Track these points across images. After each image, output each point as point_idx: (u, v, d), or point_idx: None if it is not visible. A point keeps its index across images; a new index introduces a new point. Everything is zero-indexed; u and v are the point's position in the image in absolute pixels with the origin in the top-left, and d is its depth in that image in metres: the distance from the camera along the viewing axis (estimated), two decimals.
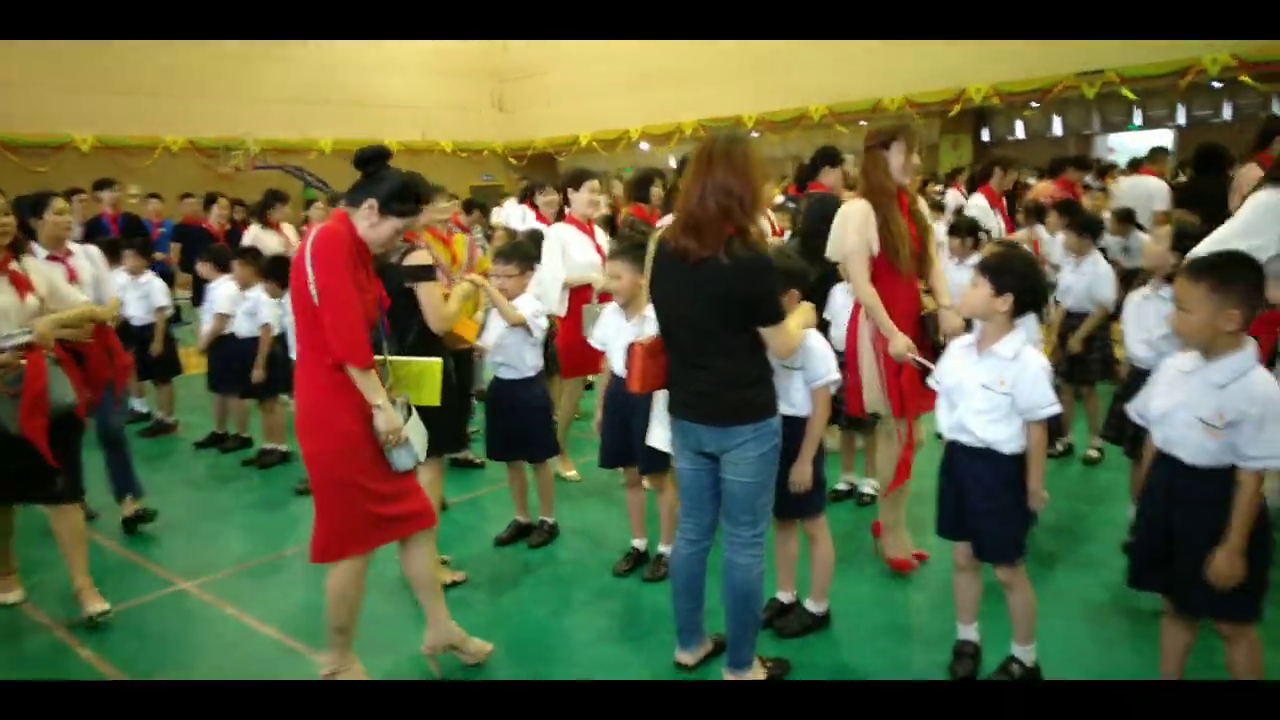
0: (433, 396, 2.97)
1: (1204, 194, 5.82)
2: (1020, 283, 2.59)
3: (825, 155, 5.06)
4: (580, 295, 4.64)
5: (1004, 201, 6.44)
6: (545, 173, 21.13)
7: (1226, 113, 13.88)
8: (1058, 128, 15.55)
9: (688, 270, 2.51)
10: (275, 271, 5.24)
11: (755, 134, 17.78)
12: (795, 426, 2.97)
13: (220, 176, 16.88)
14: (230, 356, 5.45)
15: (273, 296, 5.29)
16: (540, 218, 6.17)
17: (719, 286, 2.47)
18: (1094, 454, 4.84)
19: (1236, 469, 2.15)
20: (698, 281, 2.50)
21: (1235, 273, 2.20)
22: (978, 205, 6.15)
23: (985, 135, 16.26)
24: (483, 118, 21.33)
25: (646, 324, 3.17)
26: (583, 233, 4.75)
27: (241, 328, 5.38)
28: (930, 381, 2.90)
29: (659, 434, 3.19)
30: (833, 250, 3.57)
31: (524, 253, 4.05)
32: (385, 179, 2.72)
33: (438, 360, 3.00)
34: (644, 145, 19.22)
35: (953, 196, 7.86)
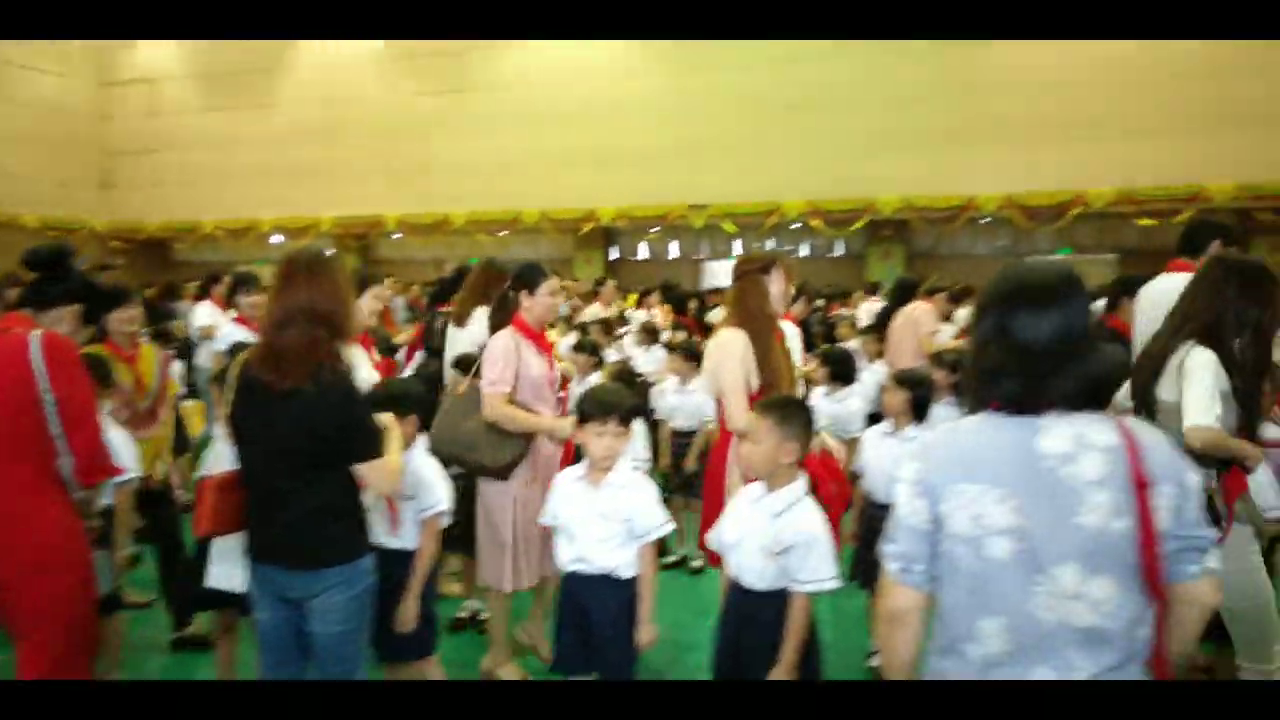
0: None
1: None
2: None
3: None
4: None
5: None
6: (156, 260, 19.09)
7: (804, 250, 16.46)
8: (674, 251, 17.33)
9: (272, 400, 2.29)
10: None
11: (398, 235, 17.67)
12: (403, 560, 2.85)
13: None
14: None
15: None
16: (242, 320, 5.41)
17: (307, 420, 2.28)
18: (698, 564, 5.17)
19: (790, 591, 2.42)
20: (283, 414, 2.29)
21: (795, 412, 2.54)
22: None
23: (614, 253, 17.64)
24: (82, 194, 18.75)
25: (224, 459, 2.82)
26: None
27: None
28: (544, 520, 2.96)
29: (221, 571, 2.88)
30: (709, 383, 3.46)
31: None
32: (75, 280, 2.38)
33: None
34: (277, 238, 18.13)
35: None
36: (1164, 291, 3.34)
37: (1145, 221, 13.39)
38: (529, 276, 3.65)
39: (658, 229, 16.39)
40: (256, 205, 17.44)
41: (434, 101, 16.38)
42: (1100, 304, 4.75)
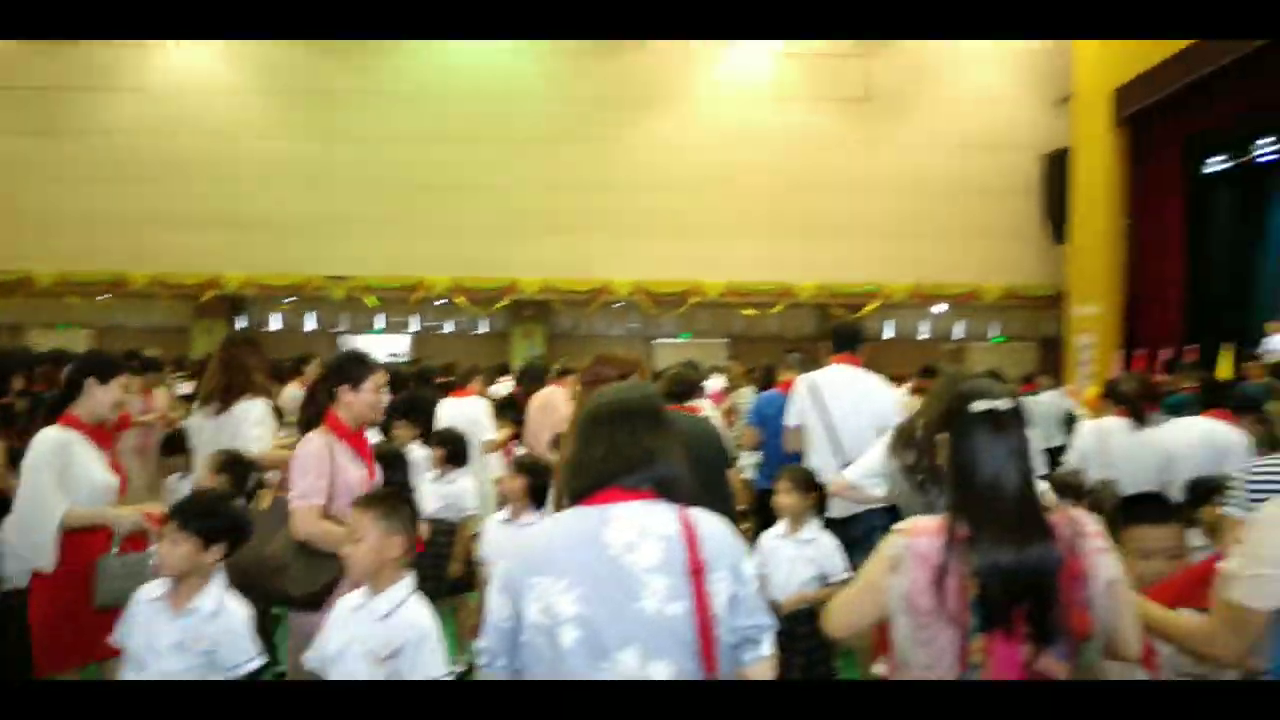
0: None
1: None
2: (225, 524, 2.46)
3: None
4: None
5: None
6: None
7: (449, 326, 16.43)
8: (311, 323, 16.37)
9: None
10: None
11: None
12: None
13: None
14: None
15: None
16: None
17: None
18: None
19: None
20: None
21: (397, 504, 2.43)
22: None
23: (241, 322, 16.23)
24: None
25: None
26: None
27: None
28: (112, 640, 2.50)
29: None
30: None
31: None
32: None
33: None
34: None
35: None
36: (843, 381, 4.26)
37: (749, 311, 15.31)
38: (352, 369, 3.12)
39: (293, 299, 15.40)
40: None
41: (16, 143, 14.02)
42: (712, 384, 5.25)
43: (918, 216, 14.17)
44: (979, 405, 1.73)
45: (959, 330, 16.55)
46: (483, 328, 16.44)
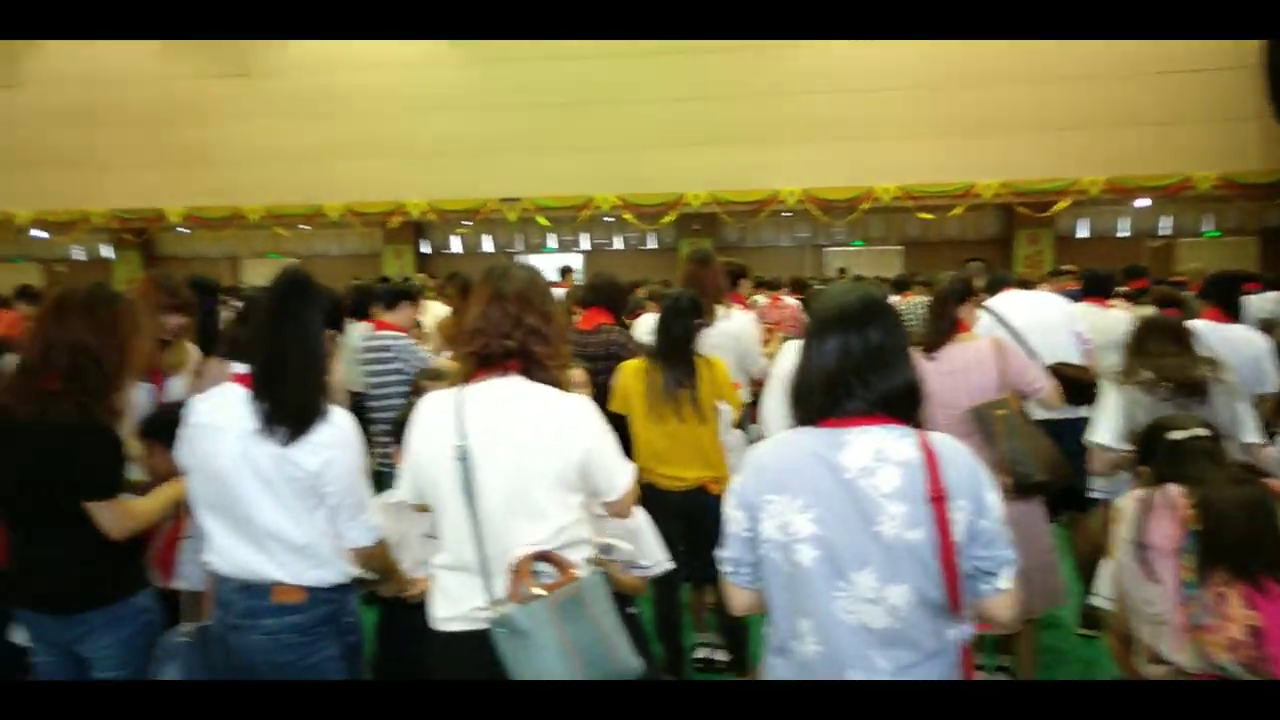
0: None
1: None
2: None
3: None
4: None
5: None
6: None
7: (618, 243, 16.68)
8: (489, 245, 17.05)
9: (11, 432, 2.21)
10: None
11: (186, 230, 16.31)
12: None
13: None
14: None
15: None
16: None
17: (35, 454, 2.19)
18: None
19: None
20: (18, 446, 2.21)
21: None
22: None
23: (426, 247, 17.12)
24: None
25: None
26: None
27: None
28: None
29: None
30: None
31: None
32: None
33: None
34: (38, 233, 16.22)
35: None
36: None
37: (926, 215, 14.59)
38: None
39: (470, 223, 16.05)
40: (9, 197, 15.47)
41: (217, 84, 15.14)
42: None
43: (1111, 104, 12.87)
44: (1177, 435, 1.71)
45: (1165, 225, 15.13)
46: (651, 243, 16.58)
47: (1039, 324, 4.09)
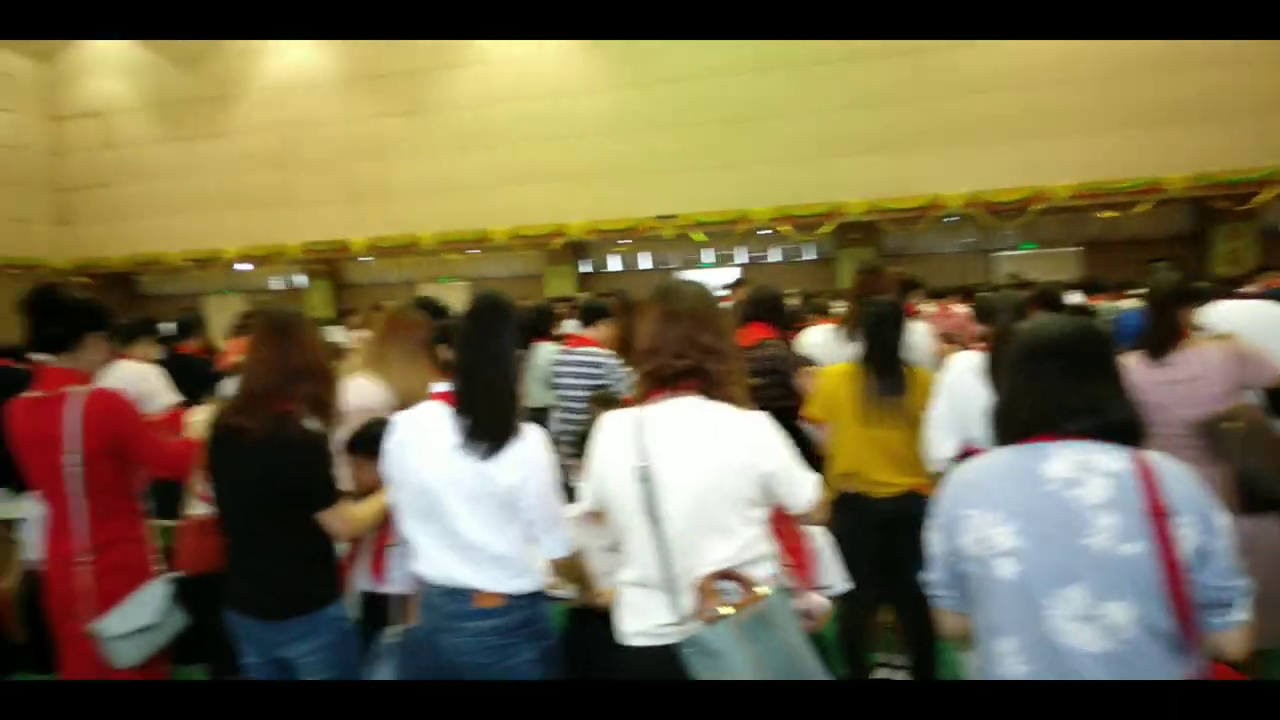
0: None
1: None
2: None
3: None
4: None
5: None
6: (121, 294, 18.72)
7: (775, 255, 16.56)
8: (646, 262, 17.35)
9: (242, 449, 2.39)
10: None
11: (369, 259, 17.52)
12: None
13: None
14: None
15: None
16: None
17: (268, 469, 2.37)
18: None
19: None
20: (249, 462, 2.39)
21: None
22: None
23: (586, 266, 17.62)
24: (39, 231, 18.33)
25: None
26: None
27: None
28: None
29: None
30: None
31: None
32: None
33: None
34: (243, 266, 17.91)
35: None
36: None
37: (1107, 214, 13.65)
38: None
39: (628, 241, 16.40)
40: (218, 235, 17.22)
41: (392, 123, 16.27)
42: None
43: None
44: None
45: None
46: (808, 254, 16.37)
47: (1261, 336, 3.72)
